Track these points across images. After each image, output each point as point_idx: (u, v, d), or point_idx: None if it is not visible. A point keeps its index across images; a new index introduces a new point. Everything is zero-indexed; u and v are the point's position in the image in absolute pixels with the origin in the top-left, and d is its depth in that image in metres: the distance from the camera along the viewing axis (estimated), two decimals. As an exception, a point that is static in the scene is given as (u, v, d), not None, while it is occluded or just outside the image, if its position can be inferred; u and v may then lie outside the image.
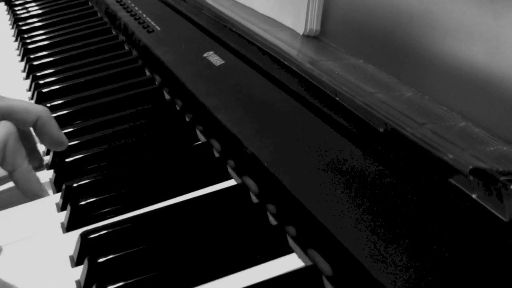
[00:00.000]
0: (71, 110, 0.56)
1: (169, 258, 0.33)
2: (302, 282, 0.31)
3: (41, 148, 0.50)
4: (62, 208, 0.41)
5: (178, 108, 0.54)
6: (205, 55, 0.56)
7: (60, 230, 0.39)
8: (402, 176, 0.32)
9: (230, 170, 0.42)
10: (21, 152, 0.43)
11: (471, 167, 0.28)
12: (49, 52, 0.76)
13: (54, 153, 0.48)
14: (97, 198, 0.39)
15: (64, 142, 0.46)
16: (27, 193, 0.43)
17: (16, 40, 0.88)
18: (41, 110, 0.44)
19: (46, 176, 0.47)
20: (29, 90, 0.67)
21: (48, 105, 0.58)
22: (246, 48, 0.53)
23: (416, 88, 0.40)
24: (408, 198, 0.31)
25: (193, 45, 0.60)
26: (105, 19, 0.86)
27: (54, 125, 0.45)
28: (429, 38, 0.39)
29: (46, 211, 0.41)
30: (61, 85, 0.64)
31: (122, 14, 0.78)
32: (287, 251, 0.34)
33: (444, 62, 0.38)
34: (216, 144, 0.45)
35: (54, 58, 0.74)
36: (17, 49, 0.84)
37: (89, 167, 0.46)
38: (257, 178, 0.39)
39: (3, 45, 0.88)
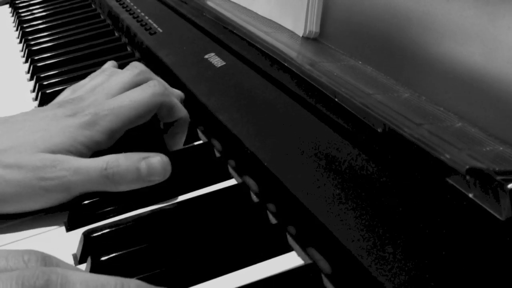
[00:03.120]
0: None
1: (170, 256, 0.34)
2: (301, 280, 0.31)
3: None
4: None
5: (179, 109, 0.54)
6: (206, 56, 0.56)
7: (63, 228, 0.39)
8: (400, 176, 0.33)
9: (230, 170, 0.43)
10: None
11: (467, 166, 0.29)
12: (53, 53, 0.77)
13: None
14: (98, 198, 0.40)
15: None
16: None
17: (20, 42, 0.88)
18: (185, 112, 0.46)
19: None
20: (33, 91, 0.68)
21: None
22: (247, 50, 0.54)
23: (413, 89, 0.40)
24: (406, 197, 0.31)
25: (195, 47, 0.60)
26: (108, 21, 0.86)
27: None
28: (427, 39, 0.40)
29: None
30: (65, 86, 0.63)
31: (124, 16, 0.79)
32: (287, 249, 0.34)
33: (441, 64, 0.38)
34: (217, 144, 0.45)
35: (58, 59, 0.74)
36: (22, 50, 0.84)
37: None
38: (257, 178, 0.39)
39: (7, 47, 0.88)
